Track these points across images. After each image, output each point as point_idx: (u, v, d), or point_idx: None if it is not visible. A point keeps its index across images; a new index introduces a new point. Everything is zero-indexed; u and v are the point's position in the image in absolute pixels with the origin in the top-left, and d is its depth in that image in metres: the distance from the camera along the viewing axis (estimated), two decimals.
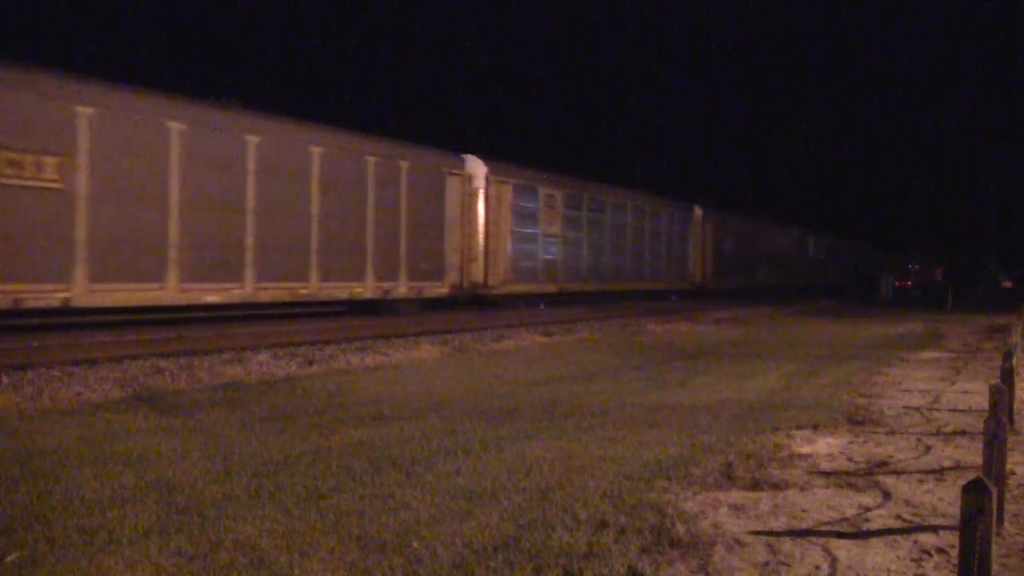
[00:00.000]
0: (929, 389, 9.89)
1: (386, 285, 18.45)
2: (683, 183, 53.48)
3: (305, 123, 17.21)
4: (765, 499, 5.06)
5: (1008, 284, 79.89)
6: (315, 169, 16.58)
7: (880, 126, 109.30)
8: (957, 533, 2.94)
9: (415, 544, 4.10)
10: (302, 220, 16.37)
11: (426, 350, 13.00)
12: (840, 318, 25.75)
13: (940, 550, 4.20)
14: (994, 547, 2.91)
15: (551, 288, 24.71)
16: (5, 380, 8.58)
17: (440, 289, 20.20)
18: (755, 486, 5.35)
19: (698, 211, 34.96)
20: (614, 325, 19.19)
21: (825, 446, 6.61)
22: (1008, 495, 4.99)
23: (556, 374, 11.06)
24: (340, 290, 17.28)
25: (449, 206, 20.43)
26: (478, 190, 21.50)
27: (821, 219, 65.31)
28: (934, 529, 4.53)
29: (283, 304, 17.02)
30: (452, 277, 20.57)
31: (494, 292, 21.99)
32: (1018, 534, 4.52)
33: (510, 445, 6.42)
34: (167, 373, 9.59)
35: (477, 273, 21.38)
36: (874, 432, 7.21)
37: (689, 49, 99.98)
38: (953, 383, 10.47)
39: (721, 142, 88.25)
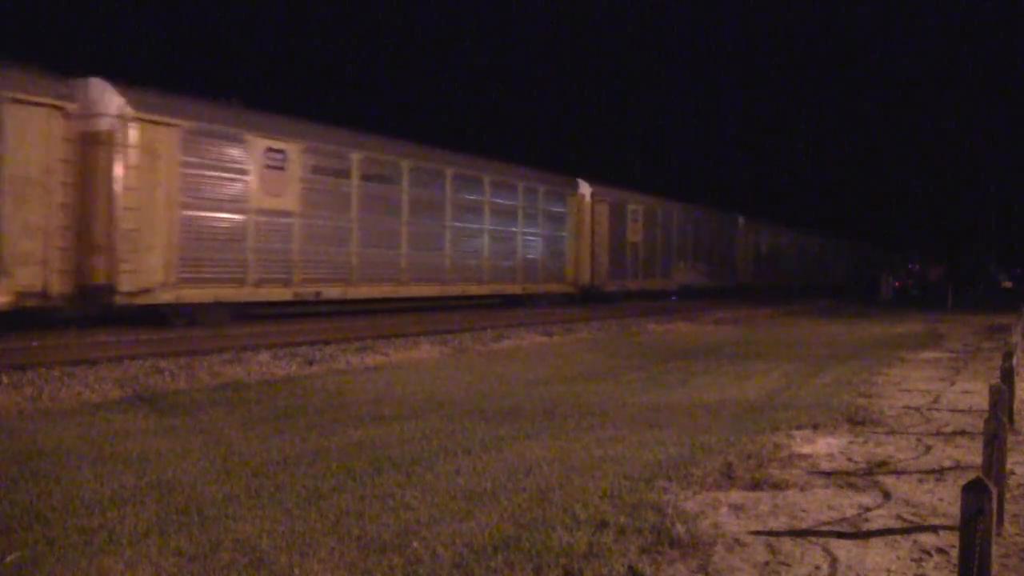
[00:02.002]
0: (929, 389, 9.89)
1: None
2: (683, 184, 53.45)
3: None
4: (765, 499, 5.06)
5: (1008, 284, 79.88)
6: None
7: (880, 126, 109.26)
8: (957, 533, 2.94)
9: (415, 544, 4.10)
10: None
11: (426, 350, 13.01)
12: (840, 318, 25.75)
13: (940, 550, 4.20)
14: (994, 547, 2.91)
15: (281, 294, 16.18)
16: (5, 380, 8.58)
17: None
18: (755, 486, 5.35)
19: (584, 188, 26.58)
20: (614, 325, 19.19)
21: (825, 446, 6.61)
22: (1008, 495, 4.99)
23: (556, 374, 11.06)
24: None
25: (19, 158, 12.28)
26: (107, 135, 13.36)
27: (821, 219, 65.34)
28: (934, 529, 4.53)
29: None
30: (24, 278, 12.30)
31: (137, 302, 13.68)
32: (1018, 534, 4.52)
33: (510, 445, 6.42)
34: (167, 373, 9.59)
35: (97, 270, 13.36)
36: (874, 432, 7.21)
37: (689, 49, 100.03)
38: (953, 383, 10.47)
39: (721, 142, 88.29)
